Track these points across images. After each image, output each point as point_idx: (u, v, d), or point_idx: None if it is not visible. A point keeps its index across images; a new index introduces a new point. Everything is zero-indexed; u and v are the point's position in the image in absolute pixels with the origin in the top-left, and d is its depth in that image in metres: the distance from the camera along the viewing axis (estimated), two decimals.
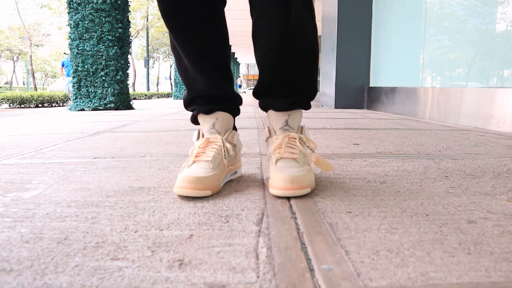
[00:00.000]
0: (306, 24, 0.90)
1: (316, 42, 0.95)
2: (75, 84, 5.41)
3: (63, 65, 9.26)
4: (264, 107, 1.01)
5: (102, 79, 5.39)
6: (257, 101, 1.01)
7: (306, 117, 3.21)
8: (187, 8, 0.89)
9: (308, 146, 0.93)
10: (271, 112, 0.98)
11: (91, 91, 5.41)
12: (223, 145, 0.93)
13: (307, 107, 1.00)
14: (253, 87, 1.04)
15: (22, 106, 10.53)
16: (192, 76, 0.95)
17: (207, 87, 0.95)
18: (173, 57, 1.00)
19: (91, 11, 5.28)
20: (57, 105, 11.37)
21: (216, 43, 0.95)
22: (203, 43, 0.92)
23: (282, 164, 0.87)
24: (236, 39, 17.06)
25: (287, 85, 0.94)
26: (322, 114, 3.73)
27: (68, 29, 5.42)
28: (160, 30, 26.97)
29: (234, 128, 1.03)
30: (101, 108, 5.38)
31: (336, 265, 0.51)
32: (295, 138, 0.92)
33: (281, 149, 0.90)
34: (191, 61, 0.93)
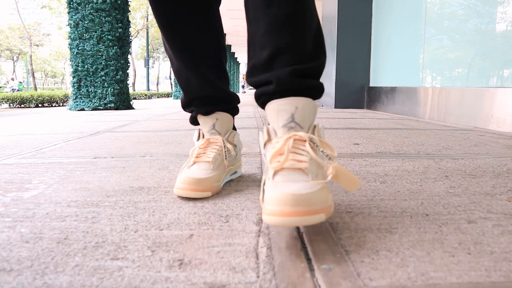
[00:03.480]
0: None
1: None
2: (75, 84, 5.41)
3: None
4: (262, 97, 0.74)
5: (102, 79, 5.39)
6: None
7: None
8: (178, 6, 0.86)
9: (323, 151, 0.64)
10: (270, 105, 0.71)
11: (91, 91, 5.41)
12: (224, 146, 0.93)
13: (318, 88, 0.73)
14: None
15: (22, 106, 10.54)
16: (187, 78, 0.93)
17: (203, 88, 0.93)
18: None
19: (91, 11, 5.28)
20: (57, 105, 11.38)
21: (210, 43, 0.92)
22: (196, 43, 0.90)
23: (283, 177, 0.60)
24: (236, 39, 17.04)
25: (292, 48, 0.70)
26: (322, 114, 3.73)
27: (68, 29, 5.42)
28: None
29: (234, 128, 1.02)
30: (101, 108, 5.38)
31: (336, 265, 0.51)
32: (304, 140, 0.65)
33: (282, 156, 0.63)
34: (184, 62, 0.91)
